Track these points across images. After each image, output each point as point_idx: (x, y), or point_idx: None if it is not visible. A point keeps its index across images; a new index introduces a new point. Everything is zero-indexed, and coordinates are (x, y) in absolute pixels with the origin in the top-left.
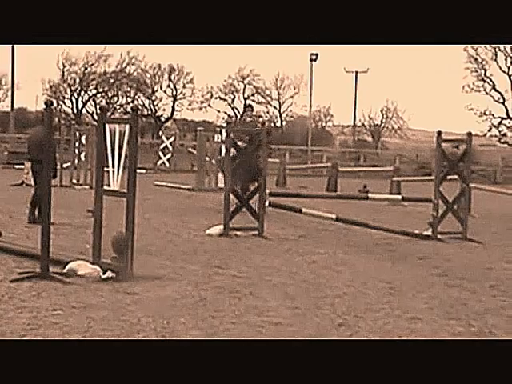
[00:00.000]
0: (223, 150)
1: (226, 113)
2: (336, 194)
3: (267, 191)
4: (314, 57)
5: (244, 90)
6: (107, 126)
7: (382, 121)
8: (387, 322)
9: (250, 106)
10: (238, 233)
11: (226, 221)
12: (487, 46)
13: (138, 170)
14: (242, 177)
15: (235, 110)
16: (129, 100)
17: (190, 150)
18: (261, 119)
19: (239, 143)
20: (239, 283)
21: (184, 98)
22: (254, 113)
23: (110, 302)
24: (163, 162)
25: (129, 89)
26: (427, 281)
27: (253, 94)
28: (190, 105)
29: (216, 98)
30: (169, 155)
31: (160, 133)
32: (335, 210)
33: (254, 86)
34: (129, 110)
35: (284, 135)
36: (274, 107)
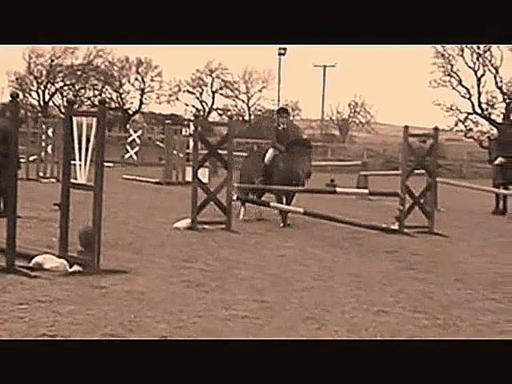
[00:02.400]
0: (191, 144)
1: (194, 106)
2: (304, 188)
3: (235, 185)
4: (282, 51)
5: (212, 83)
6: (74, 118)
7: (349, 115)
8: (354, 316)
9: (283, 110)
10: (206, 226)
11: (194, 214)
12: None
13: (106, 164)
14: (276, 179)
15: (203, 104)
16: (96, 93)
17: (158, 143)
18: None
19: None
20: (207, 277)
21: (152, 91)
22: (285, 118)
23: (76, 296)
24: (131, 156)
25: (96, 82)
26: (394, 274)
27: (221, 88)
28: (157, 98)
29: (184, 92)
30: (136, 148)
31: (128, 126)
32: (303, 204)
33: (223, 80)
34: (96, 102)
35: (252, 129)
36: (242, 101)
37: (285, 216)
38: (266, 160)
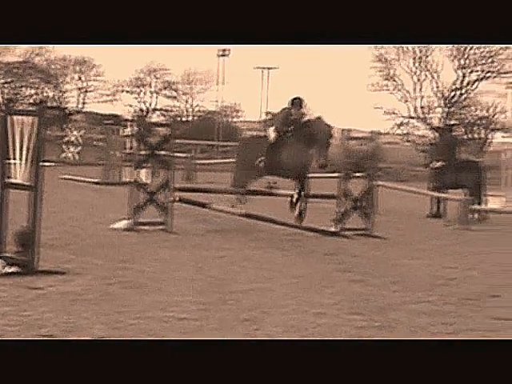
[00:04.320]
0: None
1: (134, 106)
2: (243, 190)
3: (175, 186)
4: (224, 52)
5: (153, 83)
6: (13, 117)
7: None
8: (293, 317)
9: (299, 100)
10: (145, 227)
11: (133, 215)
12: (394, 46)
13: (44, 163)
14: (281, 171)
15: (144, 104)
16: (35, 91)
17: (98, 143)
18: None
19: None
20: (145, 278)
21: (92, 90)
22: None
23: (12, 297)
24: (70, 155)
25: (35, 80)
26: (332, 276)
27: (162, 89)
28: (98, 97)
29: (125, 92)
30: (75, 148)
31: (67, 125)
32: (243, 206)
33: (164, 80)
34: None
35: (193, 130)
36: (184, 102)
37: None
38: (269, 138)
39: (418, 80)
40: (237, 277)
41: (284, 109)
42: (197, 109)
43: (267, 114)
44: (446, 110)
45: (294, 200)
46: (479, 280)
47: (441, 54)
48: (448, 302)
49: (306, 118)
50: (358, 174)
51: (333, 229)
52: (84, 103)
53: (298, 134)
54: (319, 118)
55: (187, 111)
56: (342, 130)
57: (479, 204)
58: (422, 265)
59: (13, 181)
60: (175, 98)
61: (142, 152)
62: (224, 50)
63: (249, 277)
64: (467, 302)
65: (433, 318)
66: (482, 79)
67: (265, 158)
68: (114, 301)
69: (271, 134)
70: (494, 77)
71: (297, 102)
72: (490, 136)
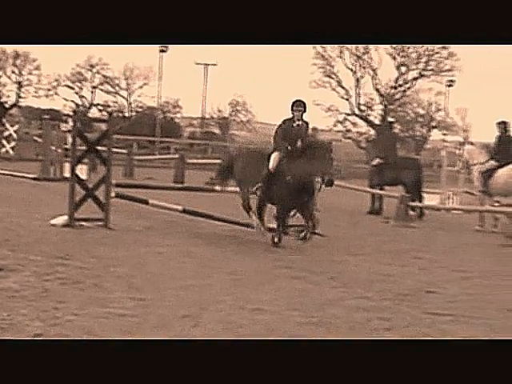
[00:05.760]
0: (69, 140)
1: (73, 101)
2: (183, 186)
3: (113, 182)
4: (163, 48)
5: (92, 78)
6: None
7: (230, 114)
8: (231, 313)
9: (300, 102)
10: (84, 223)
11: (71, 211)
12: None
13: None
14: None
15: (83, 99)
16: None
17: (36, 138)
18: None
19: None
20: (83, 274)
21: (30, 84)
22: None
23: None
24: (7, 150)
25: None
26: (271, 273)
27: (101, 83)
28: (36, 92)
29: (63, 86)
30: (13, 143)
31: (4, 120)
32: (182, 202)
33: (103, 75)
34: None
35: (132, 125)
36: (123, 97)
37: (279, 233)
38: (270, 165)
39: (359, 78)
40: (176, 273)
41: (285, 121)
42: (136, 104)
43: (314, 129)
44: (386, 107)
45: (303, 235)
46: (416, 276)
47: (381, 52)
48: (385, 297)
49: (308, 140)
50: None
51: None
52: (20, 97)
53: (299, 156)
54: (315, 130)
55: (127, 107)
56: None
57: (419, 201)
58: (360, 261)
59: None
60: (115, 93)
61: (81, 148)
62: (164, 46)
63: (188, 273)
64: (404, 297)
65: (371, 314)
66: (421, 77)
67: (263, 186)
68: (51, 297)
69: (272, 162)
70: (434, 75)
71: (298, 104)
72: (429, 134)
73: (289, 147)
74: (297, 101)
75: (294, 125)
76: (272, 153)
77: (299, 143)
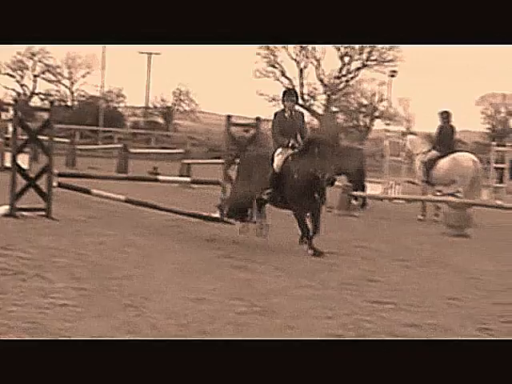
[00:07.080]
0: (10, 129)
1: (14, 90)
2: (126, 176)
3: (55, 171)
4: None
5: (34, 67)
6: None
7: (174, 103)
8: (174, 303)
9: (292, 91)
10: (25, 213)
11: (12, 201)
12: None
13: None
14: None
15: (24, 88)
16: None
17: None
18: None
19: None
20: (24, 264)
21: None
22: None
23: None
24: None
25: None
26: (214, 262)
27: (43, 72)
28: None
29: (4, 75)
30: None
31: None
32: (125, 192)
33: (45, 64)
34: None
35: (75, 115)
36: (65, 86)
37: (265, 228)
38: (274, 166)
39: (302, 68)
40: (118, 263)
41: (276, 114)
42: (79, 93)
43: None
44: (330, 97)
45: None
46: (359, 265)
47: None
48: (328, 286)
49: (310, 137)
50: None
51: (215, 214)
52: None
53: (302, 153)
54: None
55: (69, 96)
56: (228, 116)
57: (361, 190)
58: (304, 250)
59: None
60: (57, 82)
61: (22, 137)
62: None
63: (130, 262)
64: (346, 286)
65: (314, 303)
66: (364, 67)
67: (272, 191)
68: None
69: (276, 161)
70: (377, 65)
71: (290, 94)
72: (372, 124)
73: (290, 143)
74: (288, 90)
75: (287, 115)
76: (275, 152)
77: (299, 137)
